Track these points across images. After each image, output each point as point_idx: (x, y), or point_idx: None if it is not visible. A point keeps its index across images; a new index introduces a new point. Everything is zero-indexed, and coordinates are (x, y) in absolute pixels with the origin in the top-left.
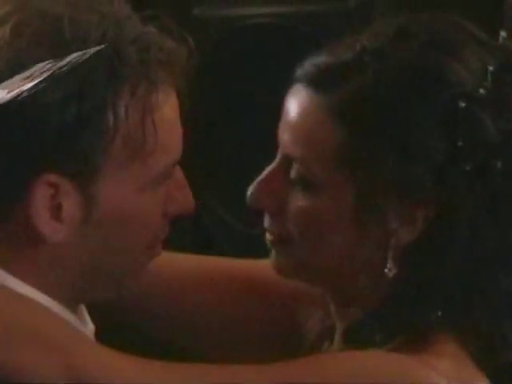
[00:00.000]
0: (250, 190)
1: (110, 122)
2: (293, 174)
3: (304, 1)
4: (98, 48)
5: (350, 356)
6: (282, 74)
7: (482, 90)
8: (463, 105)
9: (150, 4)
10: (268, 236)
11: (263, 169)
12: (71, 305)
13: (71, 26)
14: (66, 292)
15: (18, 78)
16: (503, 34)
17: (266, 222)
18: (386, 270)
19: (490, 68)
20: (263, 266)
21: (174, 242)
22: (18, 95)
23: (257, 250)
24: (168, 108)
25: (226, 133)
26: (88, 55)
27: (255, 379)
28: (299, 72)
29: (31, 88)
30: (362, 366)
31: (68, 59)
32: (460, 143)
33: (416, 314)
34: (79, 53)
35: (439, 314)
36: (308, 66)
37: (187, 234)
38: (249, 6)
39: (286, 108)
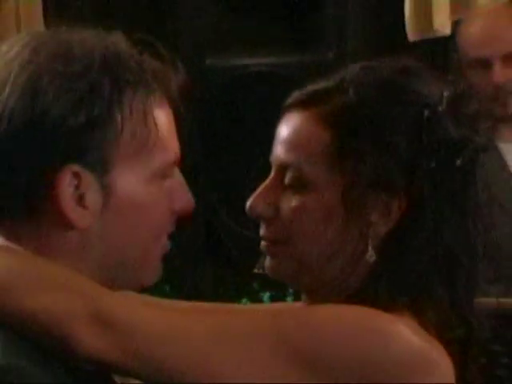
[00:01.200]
0: (248, 202)
1: (118, 119)
2: (287, 179)
3: (294, 53)
4: (103, 57)
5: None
6: (277, 110)
7: (441, 105)
8: (427, 113)
9: (167, 53)
10: (263, 243)
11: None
12: None
13: (80, 45)
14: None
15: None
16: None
17: (262, 230)
18: (367, 257)
19: (445, 93)
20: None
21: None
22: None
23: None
24: (163, 112)
25: (237, 157)
26: (96, 64)
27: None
28: (288, 101)
29: (53, 91)
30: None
31: (79, 68)
32: (425, 144)
33: (389, 294)
34: (88, 62)
35: (407, 292)
36: (296, 94)
37: (200, 240)
38: (251, 57)
39: (278, 131)
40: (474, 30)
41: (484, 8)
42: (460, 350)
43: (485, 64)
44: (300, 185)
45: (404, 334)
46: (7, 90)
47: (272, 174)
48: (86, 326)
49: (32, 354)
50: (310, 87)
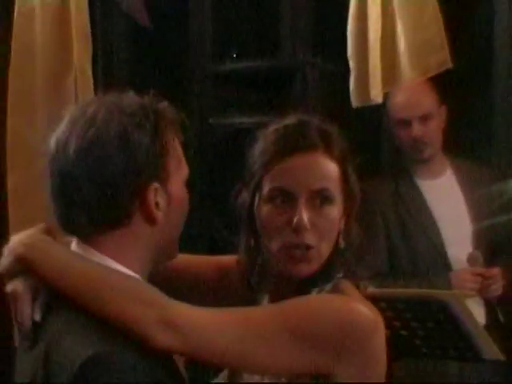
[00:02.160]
0: (298, 221)
1: (164, 149)
2: (321, 199)
3: (274, 114)
4: (154, 112)
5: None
6: None
7: None
8: None
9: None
10: (298, 252)
11: None
12: (143, 277)
13: (138, 105)
14: (141, 266)
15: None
16: None
17: (299, 239)
18: (339, 245)
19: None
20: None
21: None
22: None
23: None
24: (179, 146)
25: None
26: (151, 116)
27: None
28: (295, 145)
29: (138, 138)
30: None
31: (144, 120)
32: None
33: (345, 267)
34: (145, 115)
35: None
36: (300, 140)
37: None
38: (242, 117)
39: (292, 165)
40: (398, 99)
41: (405, 83)
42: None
43: (406, 123)
44: (330, 201)
45: (362, 310)
46: (104, 138)
47: (302, 199)
48: (157, 329)
49: (119, 343)
50: (311, 133)
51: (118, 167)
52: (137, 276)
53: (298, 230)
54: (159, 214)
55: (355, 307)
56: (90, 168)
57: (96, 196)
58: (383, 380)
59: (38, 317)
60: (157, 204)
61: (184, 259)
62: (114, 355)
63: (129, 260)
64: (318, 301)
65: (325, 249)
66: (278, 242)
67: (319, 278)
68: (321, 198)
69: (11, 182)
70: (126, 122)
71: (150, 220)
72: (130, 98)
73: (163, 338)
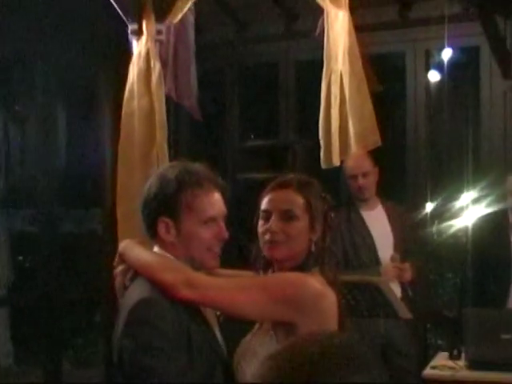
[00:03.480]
0: (267, 228)
1: (181, 198)
2: (286, 217)
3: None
4: (182, 172)
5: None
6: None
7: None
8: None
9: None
10: (270, 237)
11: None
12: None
13: (177, 169)
14: (185, 263)
15: None
16: None
17: (272, 237)
18: (312, 249)
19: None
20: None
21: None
22: None
23: None
24: (209, 196)
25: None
26: (180, 175)
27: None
28: (276, 184)
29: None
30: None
31: (172, 179)
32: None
33: (314, 264)
34: (174, 176)
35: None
36: (279, 180)
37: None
38: (260, 174)
39: (271, 198)
40: (349, 163)
41: (353, 154)
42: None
43: (354, 177)
44: (293, 218)
45: (313, 283)
46: (151, 189)
47: (273, 217)
48: (182, 287)
49: (159, 295)
50: (286, 177)
51: (150, 205)
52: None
53: (269, 230)
54: (168, 237)
55: (308, 280)
56: (142, 203)
57: (143, 219)
58: None
59: (128, 283)
60: (167, 230)
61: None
62: (154, 300)
63: (174, 255)
64: (286, 275)
65: (294, 246)
66: (262, 240)
67: (301, 269)
68: (288, 215)
69: (119, 212)
70: (165, 179)
71: (165, 240)
72: (180, 166)
73: (185, 293)
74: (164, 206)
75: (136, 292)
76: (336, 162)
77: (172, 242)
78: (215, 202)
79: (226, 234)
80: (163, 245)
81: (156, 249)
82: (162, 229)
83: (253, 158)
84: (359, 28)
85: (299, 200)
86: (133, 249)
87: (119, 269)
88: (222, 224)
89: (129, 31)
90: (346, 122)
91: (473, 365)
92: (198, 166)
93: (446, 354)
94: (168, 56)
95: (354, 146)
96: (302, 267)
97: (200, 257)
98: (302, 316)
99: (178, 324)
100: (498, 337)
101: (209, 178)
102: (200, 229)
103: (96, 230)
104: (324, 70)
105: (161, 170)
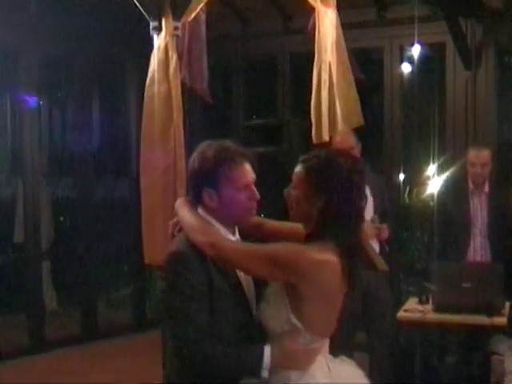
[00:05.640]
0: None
1: (220, 170)
2: (292, 187)
3: None
4: (219, 149)
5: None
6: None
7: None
8: (349, 177)
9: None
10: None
11: None
12: (229, 228)
13: (215, 148)
14: (224, 222)
15: None
16: None
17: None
18: (318, 220)
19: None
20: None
21: None
22: None
23: None
24: (241, 168)
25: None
26: (219, 152)
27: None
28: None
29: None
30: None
31: (212, 155)
32: (329, 180)
33: (324, 232)
34: (215, 152)
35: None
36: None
37: None
38: (261, 147)
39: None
40: (338, 139)
41: (340, 131)
42: (349, 262)
43: (347, 151)
44: (293, 187)
45: (311, 253)
46: (195, 163)
47: (290, 186)
48: (207, 247)
49: (192, 249)
50: (302, 158)
51: (195, 179)
52: (218, 224)
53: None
54: (212, 204)
55: (306, 251)
56: (188, 177)
57: (190, 189)
58: (337, 306)
59: (176, 233)
60: (210, 198)
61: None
62: (182, 253)
63: (216, 218)
64: (289, 245)
65: (297, 212)
66: None
67: (316, 236)
68: (292, 186)
69: (143, 181)
70: (204, 155)
71: (209, 206)
72: (216, 144)
73: (209, 252)
74: (206, 180)
75: (174, 244)
76: (325, 137)
77: (215, 207)
78: (247, 172)
79: (257, 196)
80: (206, 209)
81: (200, 210)
82: (206, 198)
83: (255, 134)
84: (345, 26)
85: (298, 170)
86: (182, 207)
87: (172, 221)
88: (254, 188)
89: (150, 28)
90: (334, 104)
91: (438, 308)
92: (230, 143)
93: (416, 299)
94: (183, 49)
95: (340, 124)
96: (317, 234)
97: (239, 216)
98: (300, 280)
99: (203, 273)
100: (459, 285)
101: (239, 152)
102: (237, 195)
103: (124, 196)
104: (315, 59)
105: (201, 148)
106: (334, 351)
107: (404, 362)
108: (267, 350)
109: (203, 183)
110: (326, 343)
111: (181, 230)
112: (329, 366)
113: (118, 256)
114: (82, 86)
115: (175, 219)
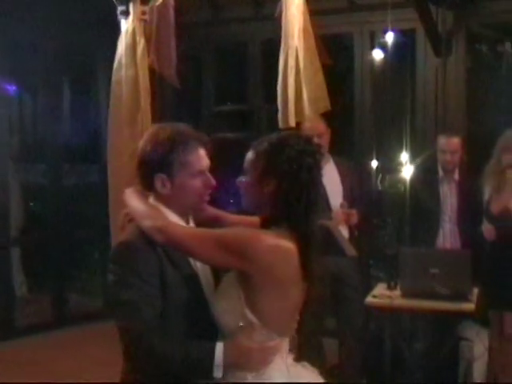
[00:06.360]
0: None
1: (174, 156)
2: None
3: None
4: (174, 132)
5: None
6: None
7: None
8: (300, 157)
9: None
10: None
11: None
12: (183, 218)
13: (168, 129)
14: (177, 211)
15: None
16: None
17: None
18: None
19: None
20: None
21: None
22: None
23: None
24: (196, 152)
25: None
26: (172, 136)
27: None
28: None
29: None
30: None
31: (165, 139)
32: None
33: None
34: (169, 135)
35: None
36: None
37: None
38: (231, 134)
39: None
40: (306, 125)
41: (309, 117)
42: (304, 247)
43: (311, 137)
44: (245, 173)
45: (265, 238)
46: (148, 147)
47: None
48: (156, 233)
49: (142, 237)
50: (254, 143)
51: (146, 163)
52: (170, 212)
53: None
54: (164, 190)
55: (261, 235)
56: (137, 162)
57: (140, 176)
58: (294, 300)
59: (126, 224)
60: (163, 184)
61: (237, 220)
62: (131, 243)
63: (168, 206)
64: (242, 230)
65: (248, 198)
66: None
67: (270, 222)
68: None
69: (109, 167)
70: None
71: (161, 193)
72: (170, 127)
73: (157, 237)
74: (159, 164)
75: (123, 234)
76: (292, 123)
77: (167, 194)
78: (202, 157)
79: (213, 182)
80: (158, 197)
81: (151, 199)
82: (158, 184)
83: (225, 120)
84: (315, 12)
85: (249, 156)
86: (131, 197)
87: (123, 212)
88: (209, 174)
89: (118, 12)
90: (301, 90)
91: (406, 294)
92: (184, 126)
93: (384, 285)
94: (151, 33)
95: (307, 110)
96: (271, 221)
97: (192, 203)
98: (253, 267)
99: (154, 264)
100: (427, 271)
101: (194, 136)
102: (191, 181)
103: (95, 182)
104: (282, 45)
105: (152, 131)
106: (304, 337)
107: (373, 348)
108: (219, 346)
109: (155, 168)
110: (286, 345)
111: (131, 220)
112: (288, 369)
113: (89, 242)
114: (52, 71)
115: (125, 210)
